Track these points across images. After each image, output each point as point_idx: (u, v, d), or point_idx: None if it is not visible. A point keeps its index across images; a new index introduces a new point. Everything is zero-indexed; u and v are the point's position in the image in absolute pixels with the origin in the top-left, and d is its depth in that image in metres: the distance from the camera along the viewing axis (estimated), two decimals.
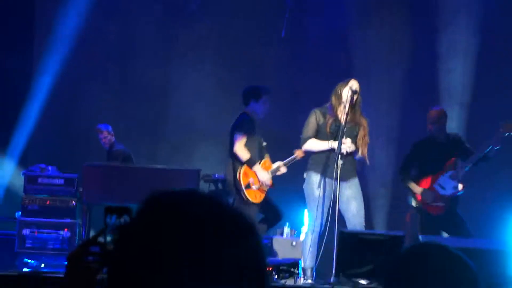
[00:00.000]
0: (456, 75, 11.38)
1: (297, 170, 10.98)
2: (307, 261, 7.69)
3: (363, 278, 7.08)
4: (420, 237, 7.24)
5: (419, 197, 8.69)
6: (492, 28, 11.20)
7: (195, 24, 12.08)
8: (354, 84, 7.73)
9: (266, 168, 8.80)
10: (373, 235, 7.34)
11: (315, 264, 7.69)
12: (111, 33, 12.12)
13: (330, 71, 11.26)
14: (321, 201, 7.60)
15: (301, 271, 7.67)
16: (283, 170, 9.00)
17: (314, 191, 7.67)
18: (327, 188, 7.62)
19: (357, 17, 11.92)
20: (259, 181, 8.63)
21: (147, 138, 11.89)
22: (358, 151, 7.73)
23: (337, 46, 11.86)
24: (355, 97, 7.68)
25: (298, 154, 8.79)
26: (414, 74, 11.64)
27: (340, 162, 7.39)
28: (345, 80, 7.82)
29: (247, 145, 8.58)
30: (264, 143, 8.95)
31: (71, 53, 11.73)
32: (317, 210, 7.60)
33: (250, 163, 8.58)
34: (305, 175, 7.93)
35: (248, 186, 8.62)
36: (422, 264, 2.07)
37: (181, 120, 12.00)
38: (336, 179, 7.43)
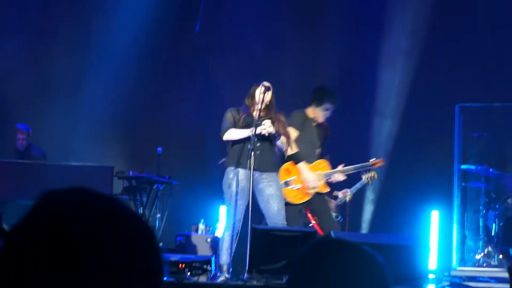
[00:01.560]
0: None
1: (212, 166, 11.01)
2: (223, 257, 7.68)
3: (276, 274, 7.11)
4: (332, 233, 7.30)
5: None
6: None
7: (112, 14, 11.95)
8: (265, 83, 7.79)
9: (317, 170, 8.54)
10: (286, 232, 7.37)
11: (230, 260, 7.69)
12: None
13: (246, 64, 11.30)
14: (237, 196, 7.59)
15: (213, 268, 7.66)
16: (340, 177, 8.74)
17: (231, 187, 7.66)
18: (244, 182, 7.62)
19: (273, 9, 11.96)
20: (301, 180, 8.41)
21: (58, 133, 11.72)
22: (278, 134, 7.72)
23: (252, 39, 11.87)
24: (268, 94, 7.71)
25: (377, 163, 8.66)
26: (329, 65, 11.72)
27: (253, 156, 7.40)
28: (256, 84, 7.87)
29: (297, 142, 8.38)
30: (318, 149, 8.70)
31: None
32: (233, 206, 7.59)
33: (297, 159, 8.37)
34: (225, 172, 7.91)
35: (287, 184, 8.36)
36: (320, 260, 2.05)
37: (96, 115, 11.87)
38: (250, 169, 7.45)
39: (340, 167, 8.72)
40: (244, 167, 7.58)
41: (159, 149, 10.03)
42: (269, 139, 7.72)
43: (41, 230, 1.32)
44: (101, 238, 1.32)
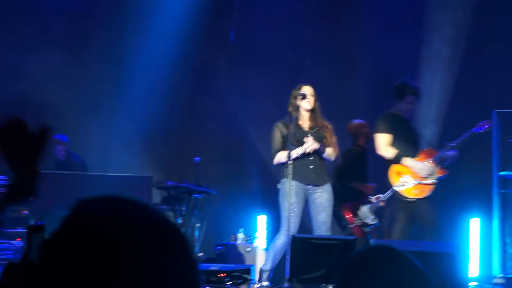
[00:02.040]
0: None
1: (250, 175, 11.04)
2: (268, 263, 7.71)
3: (316, 283, 7.11)
4: (371, 241, 7.29)
5: None
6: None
7: (145, 24, 12.03)
8: (307, 90, 7.80)
9: (423, 159, 8.45)
10: (325, 240, 7.36)
11: (272, 268, 7.71)
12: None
13: (281, 71, 11.31)
14: (292, 206, 7.60)
15: (253, 277, 7.68)
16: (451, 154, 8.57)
17: (286, 199, 7.67)
18: (300, 193, 7.68)
19: (305, 16, 11.97)
20: (415, 174, 8.34)
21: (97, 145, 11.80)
22: (324, 147, 7.75)
23: (286, 46, 11.88)
24: (309, 103, 7.74)
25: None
26: (365, 71, 11.69)
27: (291, 167, 7.43)
28: (296, 86, 7.88)
29: (394, 144, 8.35)
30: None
31: None
32: (288, 218, 7.58)
33: (397, 159, 8.32)
34: (278, 185, 7.95)
35: (401, 185, 8.31)
36: (370, 267, 2.07)
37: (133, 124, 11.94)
38: (307, 183, 7.60)
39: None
40: (299, 180, 7.66)
41: (197, 158, 10.08)
42: (320, 153, 7.77)
43: (75, 238, 1.34)
44: (135, 246, 1.34)
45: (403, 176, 8.28)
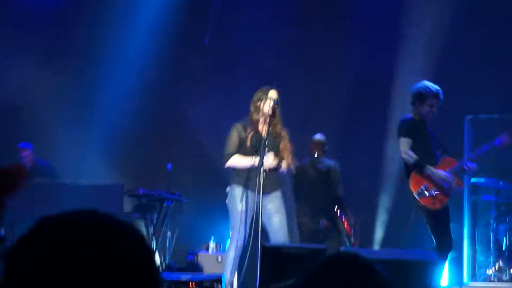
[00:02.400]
0: None
1: (222, 183, 11.01)
2: (229, 276, 7.67)
3: None
4: (341, 249, 7.29)
5: None
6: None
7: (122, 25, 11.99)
8: (273, 94, 7.72)
9: (443, 168, 8.13)
10: (294, 249, 7.35)
11: (238, 279, 7.68)
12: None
13: (259, 75, 11.29)
14: (243, 215, 7.56)
15: (224, 287, 7.65)
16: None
17: (236, 205, 7.63)
18: (250, 201, 7.60)
19: (283, 18, 11.99)
20: (435, 184, 8.00)
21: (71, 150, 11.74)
22: (281, 163, 7.71)
23: (263, 49, 11.87)
24: (275, 108, 7.67)
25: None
26: (342, 74, 11.72)
27: (262, 175, 7.36)
28: (263, 88, 7.78)
29: (415, 149, 8.02)
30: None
31: None
32: (239, 224, 7.57)
33: (419, 166, 7.98)
34: (227, 189, 7.89)
35: (421, 194, 8.00)
36: (332, 275, 2.06)
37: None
38: (258, 193, 7.38)
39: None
40: (251, 188, 7.57)
41: (169, 165, 10.05)
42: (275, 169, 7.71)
43: (34, 250, 1.36)
44: (90, 260, 1.34)
45: (424, 184, 8.04)
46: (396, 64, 11.46)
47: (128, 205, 10.17)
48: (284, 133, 7.81)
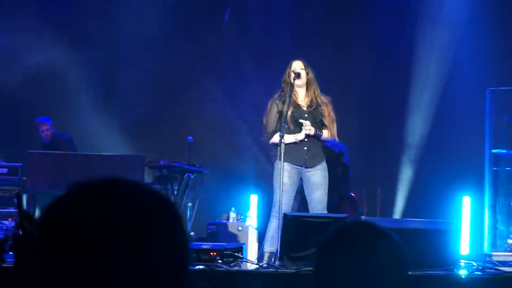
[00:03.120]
0: None
1: (243, 155, 11.04)
2: (267, 245, 7.71)
3: (307, 261, 7.11)
4: (362, 218, 7.31)
5: None
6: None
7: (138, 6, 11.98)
8: (296, 65, 7.71)
9: None
10: (316, 218, 7.37)
11: (276, 248, 7.68)
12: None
13: (277, 54, 11.26)
14: (284, 187, 7.58)
15: (245, 255, 7.68)
16: None
17: (278, 178, 7.63)
18: (293, 174, 7.64)
19: None
20: None
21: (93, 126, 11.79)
22: (321, 132, 7.69)
23: (282, 28, 11.84)
24: (302, 78, 7.66)
25: None
26: (363, 53, 11.69)
27: (283, 146, 7.36)
28: (289, 63, 7.80)
29: None
30: None
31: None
32: (280, 195, 7.57)
33: None
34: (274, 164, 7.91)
35: None
36: (348, 241, 2.08)
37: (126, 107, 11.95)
38: (302, 165, 7.49)
39: None
40: (291, 162, 7.59)
41: (190, 138, 10.08)
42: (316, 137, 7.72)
43: (72, 216, 1.37)
44: (130, 224, 1.35)
45: None
46: (417, 39, 11.41)
47: (149, 176, 10.21)
48: (325, 101, 7.80)
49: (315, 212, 7.65)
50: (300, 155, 7.58)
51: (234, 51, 11.93)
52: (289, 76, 7.68)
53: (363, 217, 7.62)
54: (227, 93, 11.67)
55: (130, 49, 11.96)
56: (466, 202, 10.24)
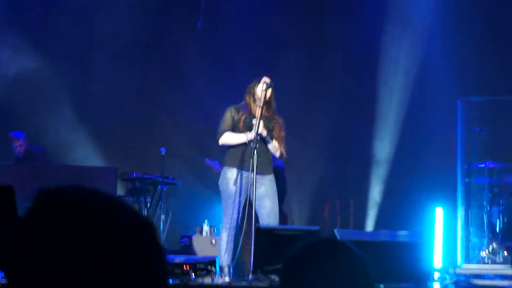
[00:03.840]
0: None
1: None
2: (224, 258, 7.66)
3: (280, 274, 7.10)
4: (336, 231, 7.29)
5: None
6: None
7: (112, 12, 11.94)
8: (266, 79, 7.72)
9: None
10: (288, 231, 7.37)
11: (232, 261, 7.68)
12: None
13: (251, 62, 11.26)
14: (236, 197, 7.55)
15: (218, 269, 7.65)
16: None
17: (229, 186, 7.62)
18: (243, 182, 7.58)
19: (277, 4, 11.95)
20: None
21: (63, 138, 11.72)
22: (271, 138, 7.65)
23: (256, 35, 11.84)
24: (268, 92, 7.66)
25: None
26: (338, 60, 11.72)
27: (255, 154, 7.33)
28: (257, 79, 7.78)
29: None
30: None
31: None
32: (232, 206, 7.56)
33: None
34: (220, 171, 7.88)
35: None
36: (313, 261, 2.07)
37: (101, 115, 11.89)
38: (252, 171, 7.36)
39: None
40: (245, 169, 7.53)
41: (163, 149, 10.04)
42: (265, 142, 7.67)
43: (40, 229, 1.34)
44: (104, 236, 1.32)
45: None
46: (386, 48, 11.45)
47: (122, 188, 10.17)
48: (278, 119, 7.80)
49: (266, 222, 7.58)
50: (251, 161, 7.46)
51: (206, 60, 11.91)
52: (256, 86, 7.65)
53: (336, 230, 7.59)
54: (199, 104, 11.63)
55: (102, 59, 11.90)
56: (438, 213, 10.27)
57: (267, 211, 7.62)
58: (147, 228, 1.40)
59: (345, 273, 2.04)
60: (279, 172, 9.39)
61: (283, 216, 9.49)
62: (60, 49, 11.89)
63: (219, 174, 7.90)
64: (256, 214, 7.51)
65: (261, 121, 7.54)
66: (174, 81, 11.96)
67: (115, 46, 11.86)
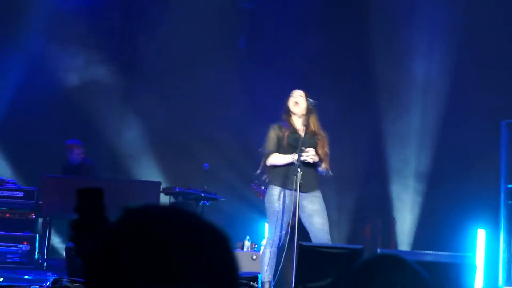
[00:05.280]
0: None
1: (258, 182, 11.04)
2: (266, 274, 7.69)
3: None
4: (378, 250, 7.30)
5: None
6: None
7: (156, 31, 12.07)
8: (295, 93, 7.79)
9: None
10: (332, 248, 7.36)
11: (273, 278, 7.71)
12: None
13: (291, 79, 11.31)
14: (280, 213, 7.59)
15: (260, 285, 7.68)
16: None
17: (274, 204, 7.64)
18: (287, 200, 7.60)
19: (315, 22, 12.00)
20: None
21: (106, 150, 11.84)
22: (321, 162, 7.70)
23: (296, 53, 11.89)
24: (300, 105, 7.71)
25: None
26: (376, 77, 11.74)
27: (300, 172, 7.37)
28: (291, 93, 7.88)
29: None
30: None
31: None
32: (276, 222, 7.60)
33: None
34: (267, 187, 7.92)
35: None
36: (376, 276, 2.09)
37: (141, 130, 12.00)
38: (296, 190, 7.41)
39: None
40: (290, 189, 7.57)
41: (206, 165, 10.12)
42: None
43: (137, 235, 1.40)
44: (188, 248, 1.40)
45: None
46: (425, 65, 11.44)
47: (164, 203, 10.23)
48: (322, 133, 7.82)
49: (317, 239, 7.60)
50: (296, 181, 7.53)
51: (248, 78, 11.99)
52: (287, 103, 7.75)
53: (378, 249, 7.60)
54: (241, 120, 11.71)
55: (146, 73, 12.03)
56: (481, 235, 10.22)
57: (317, 228, 7.65)
58: (225, 244, 1.47)
59: (408, 285, 2.06)
60: None
61: None
62: (104, 62, 12.01)
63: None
64: (307, 231, 7.59)
65: (312, 149, 7.58)
66: (217, 96, 12.03)
67: (159, 60, 11.99)
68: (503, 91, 10.89)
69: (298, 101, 7.71)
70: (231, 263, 1.46)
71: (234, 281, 1.45)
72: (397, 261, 2.16)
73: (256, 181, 9.50)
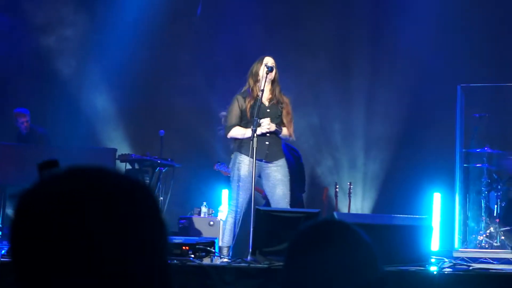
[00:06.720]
0: None
1: (214, 150, 11.02)
2: (225, 239, 7.70)
3: (279, 255, 7.11)
4: (335, 214, 7.30)
5: None
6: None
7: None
8: (268, 60, 7.70)
9: None
10: (288, 213, 7.35)
11: (232, 243, 7.72)
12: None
13: (249, 48, 11.25)
14: (242, 181, 7.59)
15: (217, 250, 7.67)
16: None
17: (236, 171, 7.66)
18: (250, 168, 7.60)
19: None
20: None
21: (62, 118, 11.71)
22: (281, 129, 7.68)
23: (254, 20, 11.83)
24: (272, 74, 7.65)
25: None
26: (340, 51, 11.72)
27: (255, 141, 7.34)
28: (259, 58, 7.77)
29: None
30: None
31: None
32: (237, 190, 7.60)
33: None
34: (232, 156, 7.91)
35: None
36: (318, 242, 2.05)
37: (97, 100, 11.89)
38: (255, 158, 7.34)
39: None
40: (252, 156, 7.55)
41: (162, 131, 10.05)
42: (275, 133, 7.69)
43: (45, 208, 1.34)
44: (108, 213, 1.33)
45: None
46: (387, 33, 11.45)
47: (120, 170, 10.15)
48: (286, 100, 7.79)
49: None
50: (261, 149, 7.51)
51: (206, 45, 11.90)
52: (257, 70, 7.66)
53: (335, 213, 7.60)
54: (199, 87, 11.64)
55: (102, 41, 11.88)
56: (436, 199, 10.30)
57: (278, 197, 7.66)
58: (153, 204, 1.40)
59: (350, 255, 2.02)
60: (298, 159, 9.43)
61: (302, 203, 9.52)
62: (61, 30, 11.85)
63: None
64: (268, 200, 7.60)
65: (269, 116, 7.56)
66: (173, 64, 11.95)
67: (114, 30, 11.85)
68: (460, 55, 10.93)
69: (272, 67, 7.63)
70: (158, 238, 1.38)
71: (160, 263, 1.38)
72: (341, 227, 2.12)
73: (218, 162, 9.49)
